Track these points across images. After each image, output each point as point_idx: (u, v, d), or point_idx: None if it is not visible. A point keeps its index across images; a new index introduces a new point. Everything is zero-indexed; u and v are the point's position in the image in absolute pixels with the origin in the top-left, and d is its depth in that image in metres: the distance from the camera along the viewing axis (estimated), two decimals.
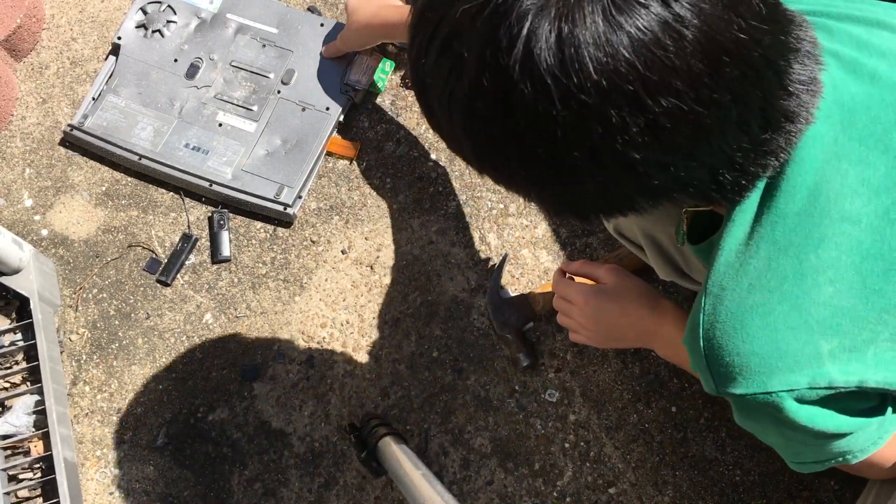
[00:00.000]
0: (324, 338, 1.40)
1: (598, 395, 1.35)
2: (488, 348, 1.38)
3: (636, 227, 1.02)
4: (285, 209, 1.43)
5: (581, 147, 0.57)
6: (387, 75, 1.52)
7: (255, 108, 1.49)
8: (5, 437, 1.31)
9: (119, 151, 1.47)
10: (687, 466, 1.30)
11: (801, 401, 0.73)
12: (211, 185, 1.45)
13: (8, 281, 1.34)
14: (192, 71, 1.51)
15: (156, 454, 1.35)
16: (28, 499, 1.31)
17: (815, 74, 0.64)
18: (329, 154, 1.50)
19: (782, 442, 0.85)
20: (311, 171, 1.46)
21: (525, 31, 0.53)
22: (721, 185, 0.64)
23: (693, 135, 0.57)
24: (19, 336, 1.36)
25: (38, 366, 1.32)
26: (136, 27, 1.54)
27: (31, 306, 1.34)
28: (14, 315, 1.39)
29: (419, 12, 0.61)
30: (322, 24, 1.53)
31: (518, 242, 1.44)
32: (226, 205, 1.48)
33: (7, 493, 1.29)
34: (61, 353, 1.40)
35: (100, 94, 1.51)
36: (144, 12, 1.54)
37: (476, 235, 1.45)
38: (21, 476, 1.32)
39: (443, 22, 0.57)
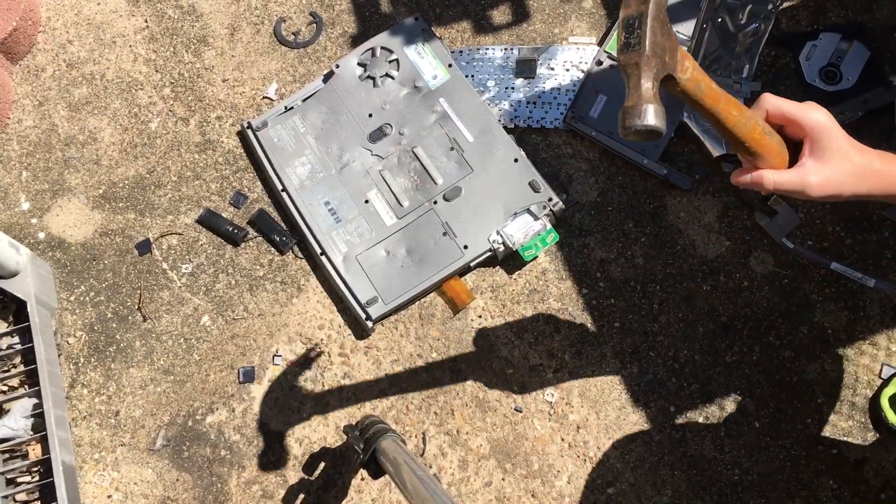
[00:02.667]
0: (322, 339, 1.40)
1: (596, 395, 1.35)
2: (486, 349, 1.38)
3: None
4: (366, 320, 1.36)
5: None
6: (545, 246, 1.37)
7: (405, 204, 1.41)
8: (3, 440, 1.31)
9: (270, 172, 1.45)
10: (685, 466, 1.30)
11: None
12: (321, 254, 1.40)
13: (5, 284, 1.34)
14: (377, 135, 1.45)
15: (154, 457, 1.35)
16: (27, 502, 1.31)
17: None
18: (439, 291, 1.41)
19: None
20: (411, 299, 1.38)
21: None
22: None
23: None
24: (17, 339, 1.36)
25: (35, 369, 1.32)
26: (358, 64, 1.51)
27: (29, 309, 1.34)
28: (11, 318, 1.39)
29: None
30: (516, 161, 1.41)
31: None
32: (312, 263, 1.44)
33: (5, 497, 1.29)
34: (59, 355, 1.40)
35: (292, 108, 1.49)
36: (373, 54, 1.50)
37: None
38: (19, 479, 1.32)
39: None
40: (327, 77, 1.52)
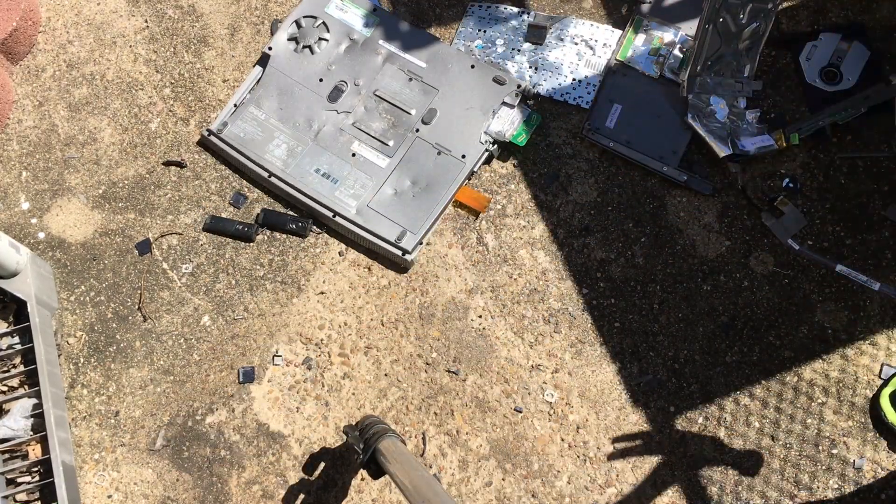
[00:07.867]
0: (322, 339, 1.40)
1: (596, 395, 1.35)
2: (486, 349, 1.38)
3: None
4: (404, 255, 1.39)
5: None
6: (531, 129, 1.44)
7: (390, 143, 1.45)
8: (3, 440, 1.31)
9: (251, 165, 1.47)
10: (685, 466, 1.30)
11: None
12: (334, 217, 1.42)
13: (5, 284, 1.34)
14: (335, 94, 1.48)
15: (154, 457, 1.35)
16: (27, 502, 1.31)
17: None
18: (456, 204, 1.45)
19: None
20: (436, 219, 1.41)
21: None
22: None
23: None
24: (17, 339, 1.36)
25: (35, 369, 1.32)
26: (288, 39, 1.53)
27: (29, 309, 1.34)
28: (11, 318, 1.39)
29: None
30: (473, 66, 1.47)
31: (515, 243, 1.44)
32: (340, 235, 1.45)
33: (6, 497, 1.29)
34: (59, 356, 1.40)
35: (242, 102, 1.51)
36: (299, 25, 1.53)
37: (473, 236, 1.45)
38: (19, 479, 1.31)
39: None
40: (264, 62, 1.54)
